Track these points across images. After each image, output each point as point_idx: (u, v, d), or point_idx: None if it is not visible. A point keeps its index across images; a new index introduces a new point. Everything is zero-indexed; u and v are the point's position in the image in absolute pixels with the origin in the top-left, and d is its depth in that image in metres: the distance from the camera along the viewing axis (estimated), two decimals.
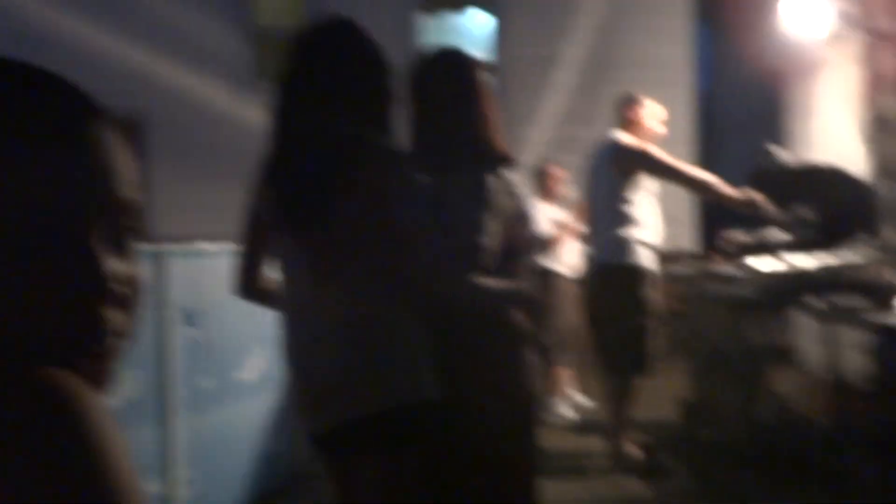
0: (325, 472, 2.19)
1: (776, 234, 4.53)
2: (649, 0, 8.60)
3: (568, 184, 6.06)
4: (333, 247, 2.00)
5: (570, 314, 5.78)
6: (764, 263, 4.15)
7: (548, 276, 5.66)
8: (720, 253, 4.90)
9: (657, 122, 4.51)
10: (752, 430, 4.22)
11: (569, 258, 5.86)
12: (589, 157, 4.64)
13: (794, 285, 4.06)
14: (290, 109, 2.06)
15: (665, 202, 4.89)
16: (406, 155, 2.05)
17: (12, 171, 0.60)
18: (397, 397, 1.97)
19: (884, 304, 3.56)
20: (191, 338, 3.54)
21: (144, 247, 3.24)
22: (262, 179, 2.10)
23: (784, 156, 4.89)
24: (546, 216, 5.84)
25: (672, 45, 8.60)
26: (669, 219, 7.28)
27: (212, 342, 3.65)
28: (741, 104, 12.01)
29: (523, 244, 2.39)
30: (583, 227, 5.56)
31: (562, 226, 5.77)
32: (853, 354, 4.33)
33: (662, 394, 5.55)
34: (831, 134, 5.42)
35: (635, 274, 4.33)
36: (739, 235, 4.74)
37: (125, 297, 0.66)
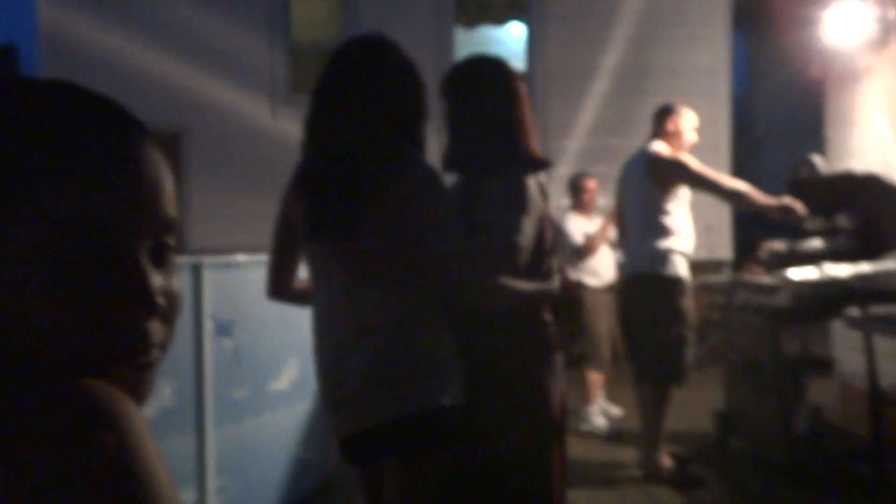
0: (355, 478, 2.21)
1: (814, 244, 4.48)
2: (685, 8, 8.55)
3: (602, 194, 6.05)
4: (363, 256, 2.02)
5: (600, 324, 5.77)
6: (802, 273, 4.10)
7: (579, 287, 5.65)
8: (757, 263, 4.86)
9: (692, 131, 4.50)
10: (787, 441, 4.17)
11: (601, 268, 5.84)
12: (623, 167, 4.63)
13: (833, 295, 4.02)
14: (321, 122, 2.10)
15: (702, 211, 4.87)
16: (436, 169, 2.07)
17: (67, 190, 0.63)
18: (422, 403, 1.99)
19: None
20: (225, 348, 3.59)
21: (181, 258, 3.30)
22: (294, 190, 2.14)
23: (823, 164, 4.83)
24: (580, 229, 5.84)
25: (709, 54, 8.54)
26: (706, 228, 7.28)
27: (246, 352, 3.70)
28: (779, 112, 11.90)
29: (552, 244, 2.41)
30: (613, 233, 5.55)
31: (592, 237, 5.76)
32: (892, 364, 4.27)
33: (696, 404, 5.51)
34: (872, 142, 5.35)
35: (672, 284, 4.32)
36: (777, 245, 4.69)
37: (167, 311, 0.69)
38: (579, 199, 5.98)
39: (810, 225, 4.40)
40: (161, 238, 0.68)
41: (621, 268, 4.80)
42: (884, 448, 3.91)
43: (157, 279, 0.67)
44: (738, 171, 8.51)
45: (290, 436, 4.03)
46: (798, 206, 4.18)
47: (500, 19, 9.10)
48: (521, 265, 2.26)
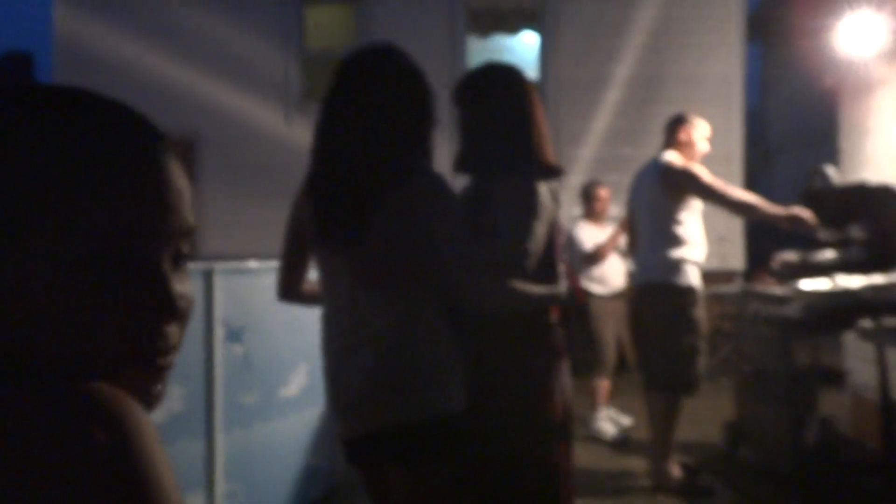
0: (360, 481, 2.23)
1: (827, 255, 4.46)
2: (699, 18, 8.54)
3: (614, 203, 6.05)
4: (368, 261, 2.04)
5: (606, 331, 5.77)
6: (814, 284, 4.09)
7: (586, 295, 5.66)
8: (769, 273, 4.84)
9: (705, 141, 4.50)
10: (798, 453, 4.15)
11: (609, 276, 5.84)
12: (635, 176, 4.64)
13: (845, 306, 4.00)
14: (330, 130, 2.11)
15: (714, 221, 4.87)
16: (443, 176, 2.08)
17: (95, 198, 0.64)
18: (423, 411, 2.00)
19: None
20: (236, 354, 3.60)
21: (193, 264, 3.32)
22: (304, 196, 2.16)
23: (835, 175, 4.81)
24: (590, 236, 5.84)
25: (722, 63, 8.53)
26: (718, 238, 7.26)
27: (256, 358, 3.71)
28: (792, 122, 11.86)
29: (560, 249, 2.41)
30: (623, 241, 5.55)
31: (601, 245, 5.76)
32: None
33: (706, 414, 5.49)
34: (886, 153, 5.33)
35: (684, 293, 4.31)
36: (789, 256, 4.67)
37: (182, 314, 0.70)
38: (591, 208, 5.98)
39: (822, 235, 4.38)
40: (179, 244, 0.70)
41: (632, 277, 4.80)
42: (895, 460, 3.89)
43: (177, 285, 0.69)
44: (751, 181, 8.50)
45: (299, 442, 4.04)
46: (807, 215, 4.17)
47: (513, 28, 9.11)
48: (529, 269, 2.27)
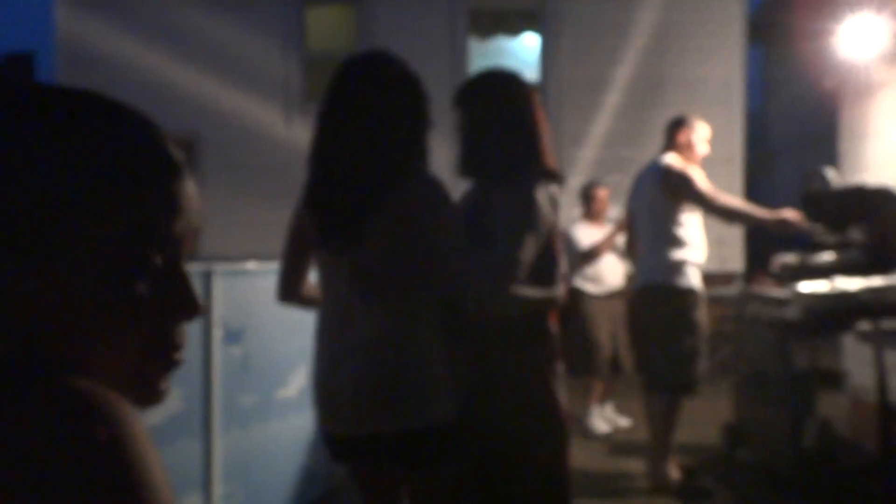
0: (348, 477, 2.25)
1: (826, 257, 4.47)
2: (700, 21, 8.54)
3: (613, 204, 6.06)
4: (366, 268, 2.05)
5: (599, 331, 5.77)
6: (813, 286, 4.09)
7: (577, 294, 5.66)
8: (769, 275, 4.84)
9: (705, 143, 4.50)
10: (796, 454, 4.16)
11: (605, 275, 5.84)
12: (635, 178, 4.64)
13: (844, 309, 4.00)
14: (328, 136, 2.13)
15: (713, 223, 4.86)
16: (440, 180, 2.10)
17: (121, 204, 0.65)
18: (415, 418, 2.02)
19: None
20: (234, 355, 3.61)
21: (192, 265, 3.32)
22: (304, 203, 2.18)
23: (835, 177, 4.81)
24: (587, 235, 5.85)
25: (723, 66, 8.53)
26: (717, 240, 7.25)
27: (255, 359, 3.72)
28: (793, 125, 11.87)
29: (559, 253, 2.42)
30: (620, 240, 5.56)
31: (597, 243, 5.76)
32: None
33: (705, 415, 5.49)
34: (886, 155, 5.33)
35: (685, 295, 4.32)
36: (788, 258, 4.68)
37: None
38: (589, 208, 5.99)
39: (818, 237, 4.40)
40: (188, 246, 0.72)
41: (633, 278, 4.80)
42: (893, 462, 3.89)
43: None
44: (752, 183, 8.50)
45: (298, 443, 4.04)
46: (796, 218, 4.20)
47: (515, 30, 9.12)
48: (520, 277, 2.28)
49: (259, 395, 3.75)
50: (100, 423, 0.57)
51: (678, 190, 4.32)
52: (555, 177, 2.42)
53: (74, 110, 0.67)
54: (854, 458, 4.43)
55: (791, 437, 4.17)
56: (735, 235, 8.36)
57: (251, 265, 3.80)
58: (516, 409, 2.33)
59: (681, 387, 4.37)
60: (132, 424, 0.59)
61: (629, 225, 4.75)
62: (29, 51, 12.36)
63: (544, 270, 2.35)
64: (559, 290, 2.40)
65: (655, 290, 4.38)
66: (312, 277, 2.31)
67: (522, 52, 9.14)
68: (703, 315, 4.40)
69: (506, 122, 2.41)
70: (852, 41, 5.40)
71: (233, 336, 3.60)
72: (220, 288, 3.51)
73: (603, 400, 5.93)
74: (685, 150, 4.43)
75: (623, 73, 8.48)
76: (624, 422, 5.90)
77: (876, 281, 4.02)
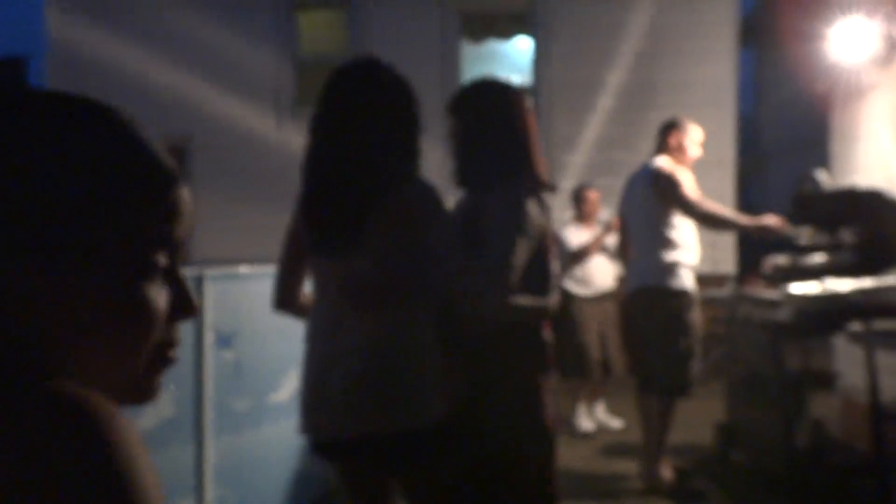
0: (337, 478, 2.26)
1: (817, 259, 4.48)
2: (692, 24, 8.56)
3: (604, 207, 6.07)
4: (358, 275, 2.06)
5: (587, 333, 5.77)
6: (804, 288, 4.10)
7: (566, 297, 5.67)
8: (760, 277, 4.86)
9: (697, 146, 4.52)
10: (789, 455, 4.16)
11: (594, 277, 5.85)
12: (627, 181, 4.65)
13: (835, 310, 4.01)
14: (321, 143, 2.15)
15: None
16: (434, 186, 2.11)
17: (124, 210, 0.66)
18: (403, 422, 2.03)
19: None
20: (226, 359, 3.60)
21: (183, 270, 3.32)
22: (298, 210, 2.19)
23: (826, 180, 4.83)
24: (577, 237, 5.86)
25: (715, 69, 8.55)
26: (710, 243, 7.25)
27: (247, 364, 3.71)
28: (784, 127, 11.90)
29: (552, 261, 2.43)
30: (611, 241, 5.56)
31: (586, 245, 5.77)
32: (893, 379, 4.26)
33: (698, 417, 5.50)
34: (876, 158, 5.35)
35: (679, 296, 4.33)
36: (780, 260, 4.69)
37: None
38: (580, 210, 6.00)
39: (803, 240, 4.43)
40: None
41: (625, 281, 4.81)
42: (885, 463, 3.90)
43: None
44: (744, 185, 8.52)
45: (290, 448, 4.03)
46: (778, 223, 4.25)
47: (507, 34, 9.13)
48: (513, 282, 2.29)
49: (251, 400, 3.75)
50: (90, 428, 0.57)
51: (666, 193, 4.34)
52: (545, 186, 2.45)
53: (76, 114, 0.67)
54: (846, 458, 4.44)
55: (783, 438, 4.18)
56: (727, 238, 8.37)
57: (243, 269, 3.79)
58: (502, 415, 2.34)
59: (675, 388, 4.38)
60: (123, 429, 0.59)
61: (621, 227, 4.76)
62: (21, 55, 12.34)
63: (536, 277, 2.36)
64: (552, 300, 2.40)
65: (649, 293, 4.39)
66: (307, 287, 2.32)
67: (514, 55, 9.15)
68: (697, 317, 4.41)
69: (498, 132, 2.43)
70: (843, 44, 5.41)
71: (225, 340, 3.59)
72: (211, 292, 3.50)
73: (592, 401, 5.94)
74: (677, 152, 4.45)
75: (615, 76, 8.49)
76: (616, 423, 5.91)
77: (867, 282, 4.03)
